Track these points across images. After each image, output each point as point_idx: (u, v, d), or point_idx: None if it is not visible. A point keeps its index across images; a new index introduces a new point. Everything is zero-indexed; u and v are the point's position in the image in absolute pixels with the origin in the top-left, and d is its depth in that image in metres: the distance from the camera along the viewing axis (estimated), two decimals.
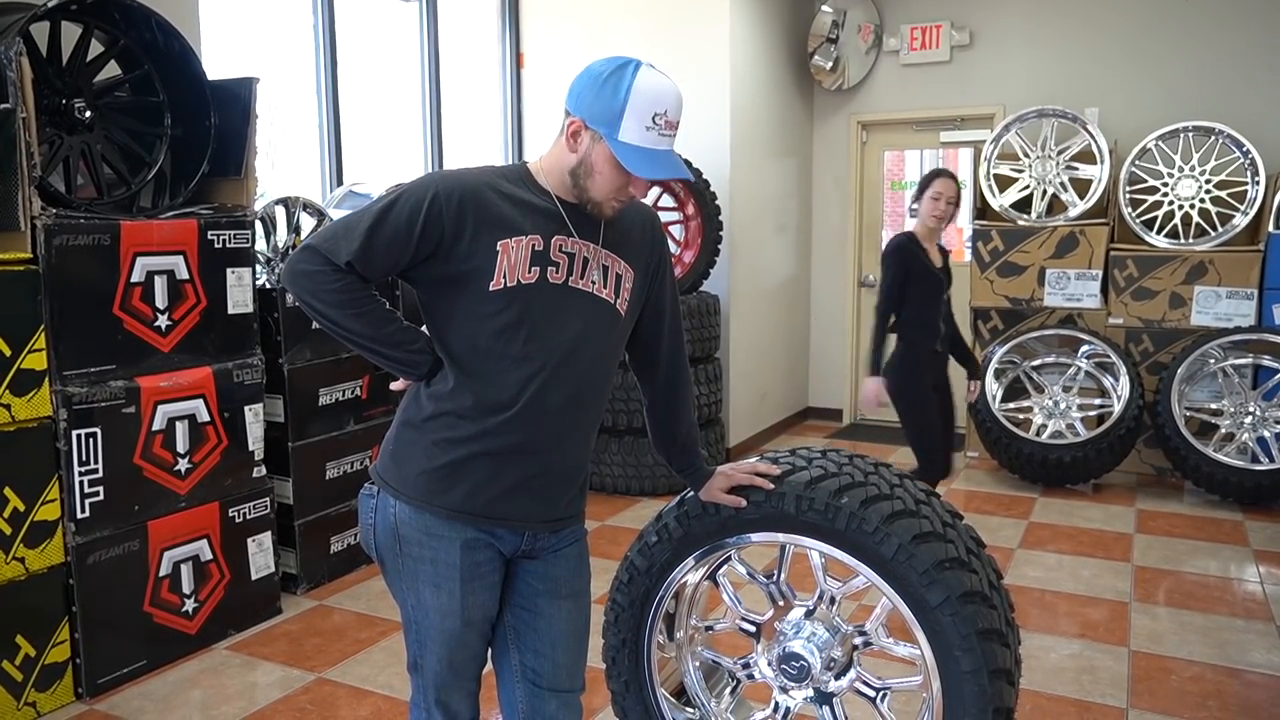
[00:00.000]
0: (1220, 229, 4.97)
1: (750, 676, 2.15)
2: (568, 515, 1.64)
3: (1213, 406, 4.84)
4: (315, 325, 3.56)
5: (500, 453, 1.52)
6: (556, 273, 1.54)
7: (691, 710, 2.18)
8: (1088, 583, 3.67)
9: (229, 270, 3.20)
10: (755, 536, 1.96)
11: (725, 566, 2.11)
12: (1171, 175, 5.13)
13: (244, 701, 2.80)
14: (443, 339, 1.55)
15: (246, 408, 3.27)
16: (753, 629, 2.13)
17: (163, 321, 3.00)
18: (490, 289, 1.51)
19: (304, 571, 3.63)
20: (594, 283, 1.58)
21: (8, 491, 2.62)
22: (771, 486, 1.91)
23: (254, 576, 3.33)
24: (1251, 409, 4.73)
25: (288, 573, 3.60)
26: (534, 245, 1.53)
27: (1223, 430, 4.77)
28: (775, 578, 2.08)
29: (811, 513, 1.88)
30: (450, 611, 1.56)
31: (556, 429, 1.55)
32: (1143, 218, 5.14)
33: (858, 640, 2.04)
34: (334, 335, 1.54)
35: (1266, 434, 4.66)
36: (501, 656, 1.66)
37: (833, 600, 2.04)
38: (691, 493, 2.00)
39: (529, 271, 1.52)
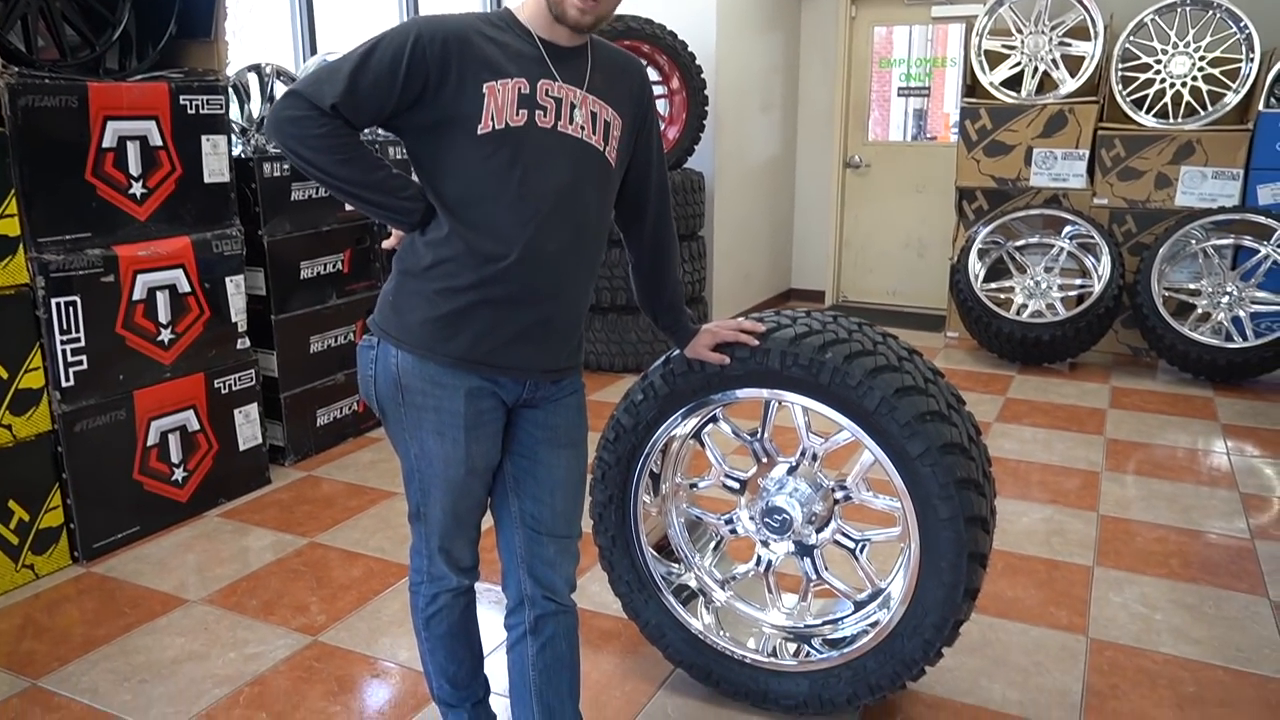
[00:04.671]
0: (1211, 108, 4.92)
1: (733, 531, 2.21)
2: (567, 366, 1.65)
3: (1191, 287, 4.88)
4: (295, 196, 3.53)
5: (501, 301, 1.52)
6: (545, 116, 1.51)
7: (675, 564, 2.25)
8: (1061, 454, 3.76)
9: (203, 138, 3.12)
10: (740, 392, 1.99)
11: (710, 425, 2.15)
12: (1165, 52, 5.04)
13: (238, 564, 2.86)
14: (434, 187, 1.53)
15: (227, 279, 3.24)
16: (737, 485, 2.18)
17: (137, 189, 2.93)
18: (479, 133, 1.48)
19: (291, 444, 3.67)
20: (582, 128, 1.55)
21: None
22: (756, 343, 1.92)
23: (242, 447, 3.36)
24: (1229, 289, 4.77)
25: (275, 445, 3.64)
26: (520, 88, 1.50)
27: (1199, 310, 4.83)
28: (759, 435, 2.12)
29: (796, 368, 1.90)
30: (454, 459, 1.58)
31: (555, 277, 1.55)
32: (1133, 96, 5.08)
33: (838, 495, 2.09)
34: (323, 184, 1.51)
35: (1242, 314, 4.72)
36: (501, 503, 1.69)
37: (814, 457, 2.08)
38: (677, 350, 2.02)
39: (517, 114, 1.49)
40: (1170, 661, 2.33)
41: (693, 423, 2.12)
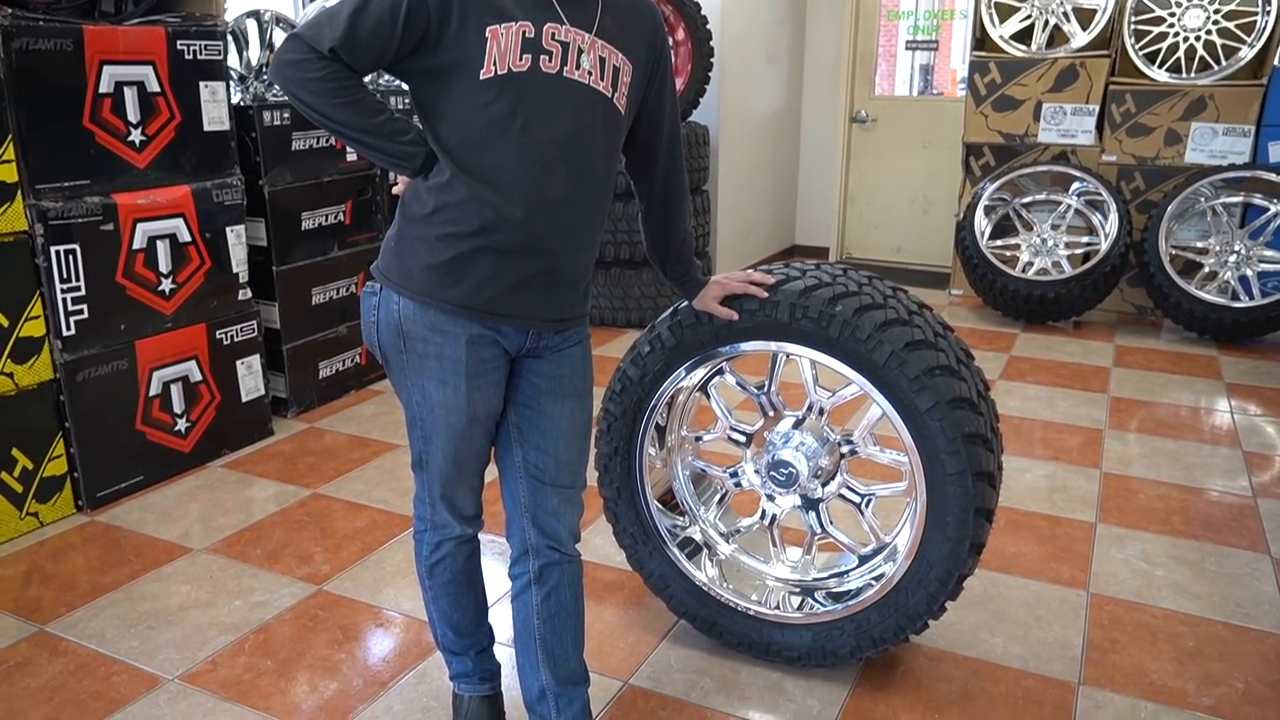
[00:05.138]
0: (1224, 62, 4.84)
1: (738, 485, 2.21)
2: (572, 316, 1.63)
3: (1198, 245, 4.85)
4: (296, 145, 3.49)
5: (505, 249, 1.50)
6: (549, 61, 1.48)
7: (680, 516, 2.25)
8: (1064, 412, 3.76)
9: (202, 84, 3.06)
10: (748, 345, 1.97)
11: (717, 378, 2.13)
12: (1179, 5, 4.95)
13: (242, 514, 2.87)
14: (436, 132, 1.50)
15: (228, 229, 3.21)
16: (742, 439, 2.17)
17: (136, 136, 2.89)
18: (481, 78, 1.45)
19: (294, 395, 3.66)
20: (589, 74, 1.51)
21: None
22: (765, 295, 1.90)
23: (244, 398, 3.35)
24: (1237, 248, 4.74)
25: (278, 397, 3.63)
26: (524, 32, 1.46)
27: (1206, 269, 4.79)
28: (766, 388, 2.11)
29: (805, 320, 1.88)
30: (455, 407, 1.57)
31: (558, 227, 1.52)
32: (1145, 50, 4.99)
33: (844, 449, 2.09)
34: (324, 128, 1.48)
35: (1249, 273, 4.69)
36: (505, 453, 1.68)
37: (821, 412, 2.07)
38: (685, 302, 2.00)
39: (520, 59, 1.46)
40: (1170, 616, 2.34)
41: (699, 375, 2.10)
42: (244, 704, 2.00)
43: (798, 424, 2.11)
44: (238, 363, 3.31)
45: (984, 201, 5.12)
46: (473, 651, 1.85)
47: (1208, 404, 3.88)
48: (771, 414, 2.13)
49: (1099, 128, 5.05)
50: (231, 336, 3.27)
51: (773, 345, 1.95)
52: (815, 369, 2.03)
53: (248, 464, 3.24)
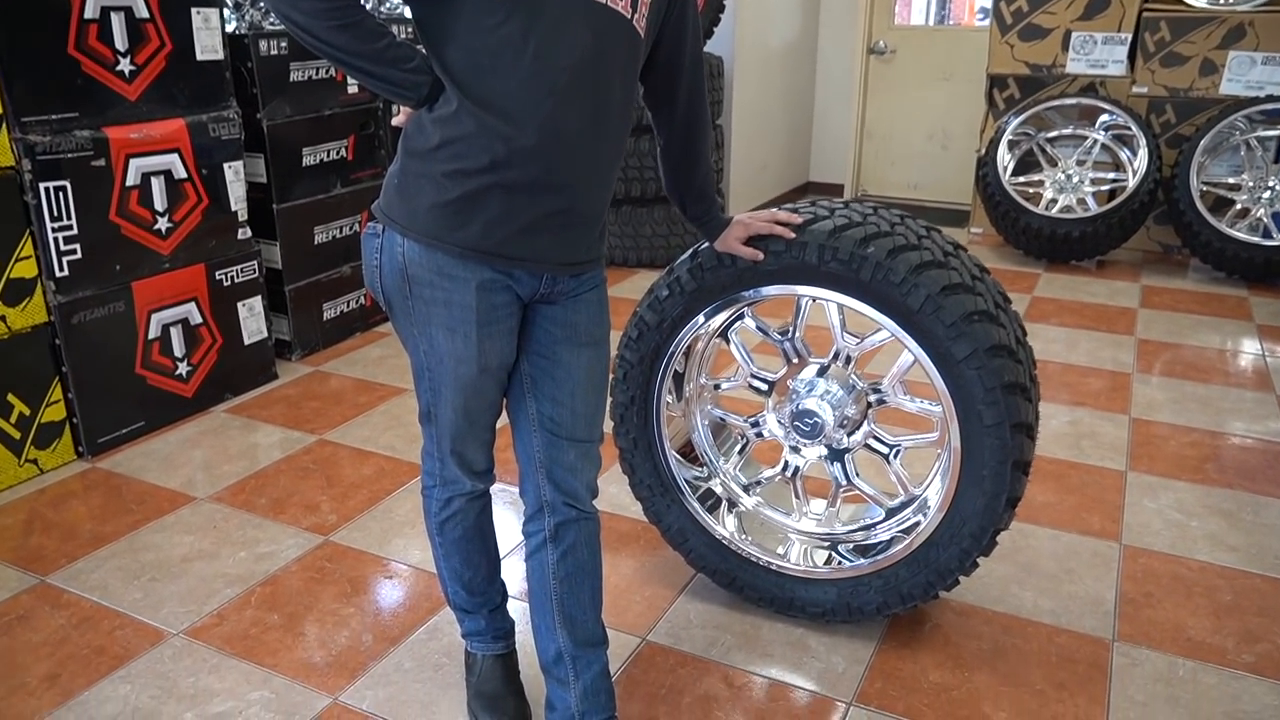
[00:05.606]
0: None
1: (759, 435, 2.12)
2: (588, 259, 1.51)
3: (1230, 181, 4.68)
4: (295, 77, 3.33)
5: (516, 186, 1.37)
6: None
7: (699, 468, 2.16)
8: (1090, 355, 3.65)
9: (193, 10, 2.91)
10: (773, 289, 1.86)
11: (738, 324, 2.03)
12: None
13: (246, 461, 2.80)
14: (441, 58, 1.37)
15: (226, 165, 3.08)
16: (765, 387, 2.07)
17: (125, 66, 2.75)
18: None
19: (298, 338, 3.56)
20: None
21: None
22: (793, 236, 1.79)
23: (246, 341, 3.26)
24: (1271, 183, 4.56)
25: (281, 339, 3.54)
26: None
27: (1238, 206, 4.63)
28: (790, 334, 2.00)
29: (835, 263, 1.77)
30: (465, 357, 1.47)
31: (574, 160, 1.40)
32: None
33: (872, 398, 1.99)
34: (320, 54, 1.35)
35: None
36: (518, 405, 1.58)
37: (848, 359, 1.97)
38: (706, 244, 1.88)
39: None
40: (1206, 569, 2.26)
41: (719, 320, 1.99)
42: (250, 660, 1.94)
43: (822, 371, 2.01)
44: (239, 304, 3.21)
45: (1008, 136, 4.94)
46: (485, 609, 1.77)
47: (1238, 346, 3.76)
48: (796, 361, 2.02)
49: (1130, 58, 4.85)
50: (232, 277, 3.17)
51: (799, 289, 1.84)
52: (843, 313, 1.92)
53: (251, 409, 3.16)
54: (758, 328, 2.01)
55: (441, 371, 1.50)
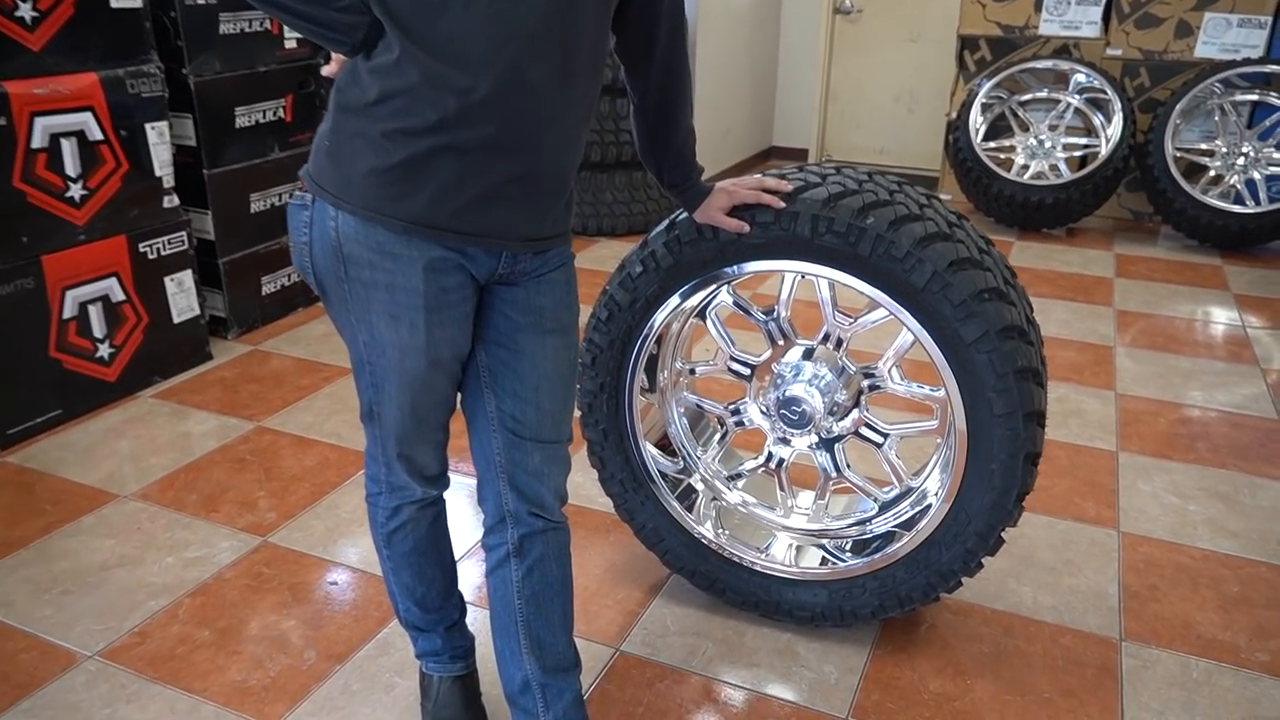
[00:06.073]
0: None
1: (740, 424, 1.94)
2: (554, 234, 1.30)
3: (1203, 147, 4.57)
4: (225, 29, 3.05)
5: (470, 148, 1.16)
6: None
7: (675, 459, 1.98)
8: (1070, 327, 3.52)
9: None
10: (759, 265, 1.67)
11: (717, 302, 1.83)
12: None
13: (176, 453, 2.55)
14: None
15: (148, 126, 2.80)
16: (746, 371, 1.88)
17: (26, 11, 2.45)
18: None
19: (234, 315, 3.30)
20: None
21: None
22: (782, 205, 1.59)
23: (176, 319, 3.00)
24: (1245, 149, 4.47)
25: (216, 316, 3.28)
26: None
27: (1211, 173, 4.53)
28: (775, 314, 1.81)
29: (830, 235, 1.58)
30: (412, 348, 1.26)
31: (538, 117, 1.18)
32: None
33: (864, 384, 1.81)
34: None
35: (1257, 176, 4.43)
36: (475, 403, 1.38)
37: (839, 342, 1.79)
38: (684, 214, 1.68)
39: None
40: (1209, 558, 2.14)
41: (697, 299, 1.80)
42: (175, 685, 1.72)
43: (809, 354, 1.83)
44: (166, 279, 2.94)
45: (980, 100, 4.78)
46: (441, 627, 1.58)
47: (1219, 318, 3.66)
48: (781, 342, 1.84)
49: (1105, 19, 4.70)
50: (158, 249, 2.90)
51: (789, 264, 1.65)
52: (834, 290, 1.74)
53: (183, 393, 2.91)
54: (737, 304, 1.83)
55: (384, 365, 1.29)
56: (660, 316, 1.77)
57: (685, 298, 1.75)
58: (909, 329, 1.62)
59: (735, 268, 1.69)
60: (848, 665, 1.80)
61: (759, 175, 1.66)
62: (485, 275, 1.27)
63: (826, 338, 1.79)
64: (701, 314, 1.86)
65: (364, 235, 1.20)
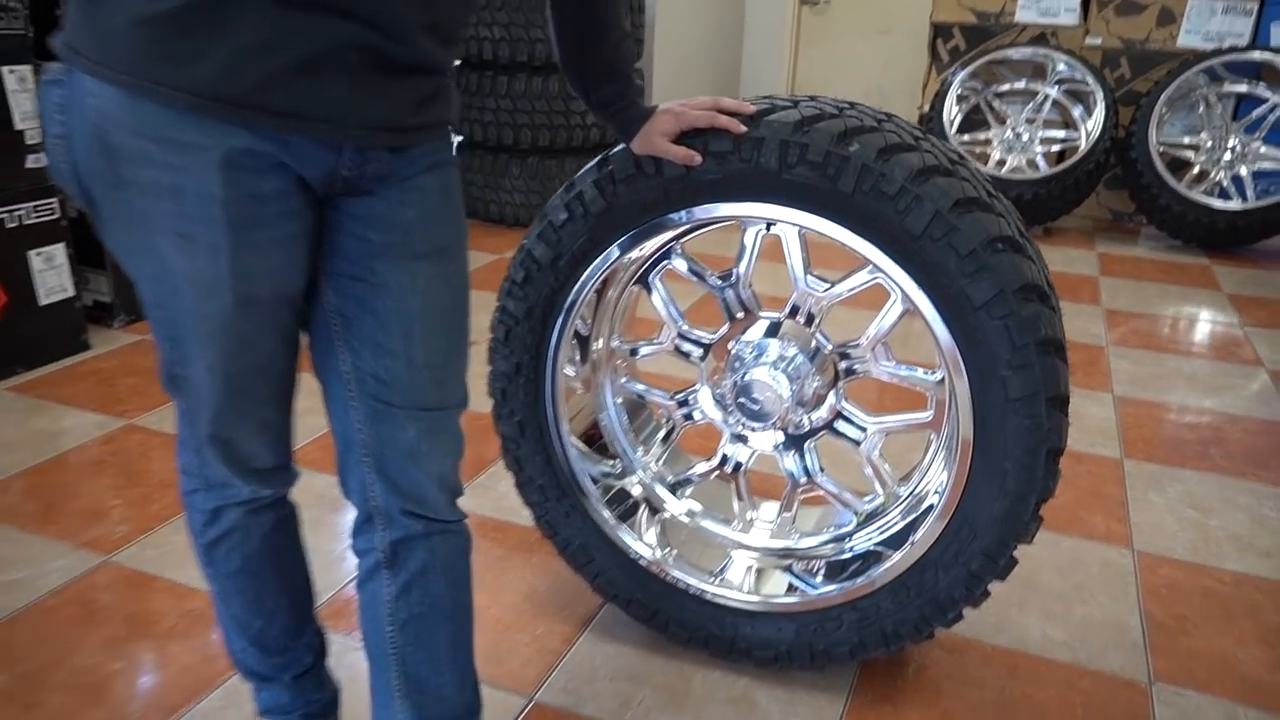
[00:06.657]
0: None
1: (689, 417, 1.58)
2: (419, 124, 0.93)
3: (1186, 141, 4.32)
4: None
5: None
6: None
7: (609, 461, 1.61)
8: None
9: None
10: (714, 208, 1.31)
11: (663, 264, 1.48)
12: None
13: (24, 453, 2.14)
14: None
15: (5, 70, 2.39)
16: (698, 352, 1.53)
17: None
18: None
19: (120, 300, 2.88)
20: None
21: None
22: (743, 129, 1.24)
23: (43, 301, 2.58)
24: (1231, 144, 4.22)
25: (100, 301, 2.86)
26: None
27: (1196, 169, 4.28)
28: (733, 278, 1.46)
29: (802, 166, 1.23)
30: (214, 282, 0.88)
31: None
32: None
33: (841, 366, 1.46)
34: None
35: (1244, 171, 4.18)
36: (326, 361, 1.00)
37: (810, 316, 1.44)
38: (621, 145, 1.33)
39: None
40: (1241, 581, 1.81)
41: (636, 257, 1.44)
42: None
43: (774, 330, 1.48)
44: (30, 254, 2.53)
45: (955, 90, 4.50)
46: (289, 675, 1.19)
47: (1213, 317, 3.38)
48: (741, 315, 1.49)
49: (1084, 6, 4.45)
50: (19, 218, 2.48)
51: (751, 208, 1.29)
52: (806, 249, 1.39)
53: (48, 386, 2.49)
54: (690, 270, 1.47)
55: (179, 308, 0.91)
56: (591, 278, 1.41)
57: (623, 252, 1.39)
58: (900, 291, 1.27)
59: (683, 213, 1.33)
60: (819, 717, 1.43)
61: (717, 97, 1.31)
62: (321, 179, 0.89)
63: (795, 310, 1.44)
64: (644, 280, 1.51)
65: (134, 116, 0.82)
